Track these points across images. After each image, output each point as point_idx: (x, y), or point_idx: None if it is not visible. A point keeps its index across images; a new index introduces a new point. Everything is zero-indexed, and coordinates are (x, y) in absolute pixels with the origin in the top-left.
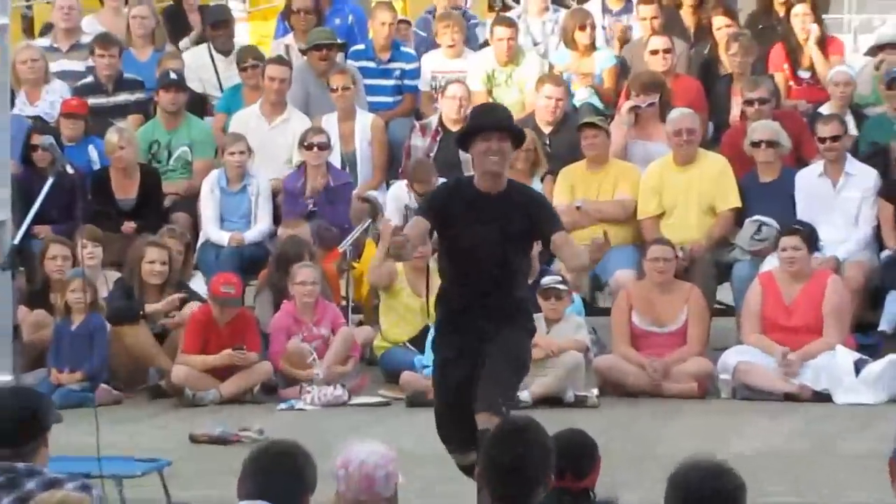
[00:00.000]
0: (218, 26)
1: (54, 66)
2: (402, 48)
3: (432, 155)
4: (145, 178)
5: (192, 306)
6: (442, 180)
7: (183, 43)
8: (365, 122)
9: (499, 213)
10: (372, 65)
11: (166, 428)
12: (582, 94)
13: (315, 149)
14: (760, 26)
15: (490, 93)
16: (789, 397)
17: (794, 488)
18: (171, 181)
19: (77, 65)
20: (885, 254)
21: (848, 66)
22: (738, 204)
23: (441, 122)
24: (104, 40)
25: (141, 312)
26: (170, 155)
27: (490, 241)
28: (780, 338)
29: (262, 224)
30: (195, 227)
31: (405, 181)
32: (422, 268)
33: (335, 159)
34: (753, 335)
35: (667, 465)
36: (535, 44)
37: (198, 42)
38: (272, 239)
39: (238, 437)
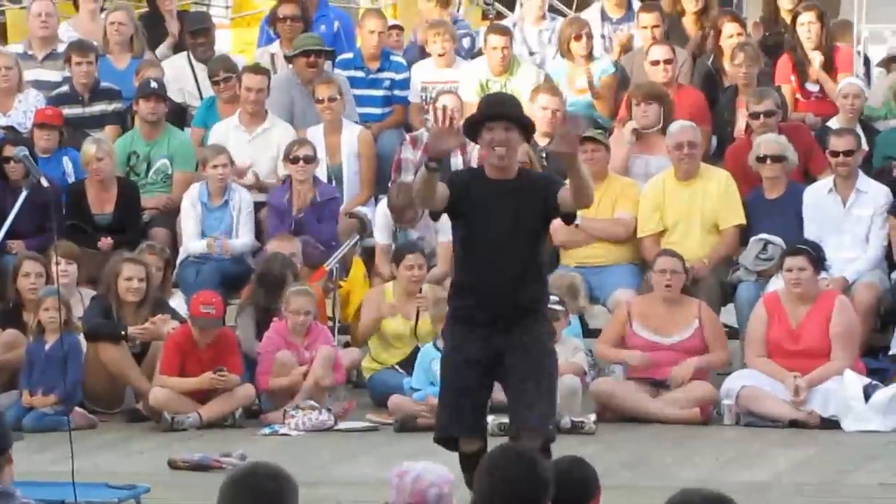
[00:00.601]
0: (198, 34)
1: (29, 75)
2: (392, 57)
3: None
4: (123, 192)
5: (172, 325)
6: None
7: (160, 50)
8: (352, 134)
9: (510, 200)
10: (360, 74)
11: (144, 453)
12: (577, 104)
13: (301, 162)
14: (767, 34)
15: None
16: (795, 424)
17: None
18: (150, 195)
19: (53, 74)
20: None
21: (857, 76)
22: (743, 221)
23: None
24: (80, 48)
25: (123, 333)
26: (149, 167)
27: (503, 228)
28: (787, 362)
29: (244, 238)
30: (174, 243)
31: None
32: (414, 292)
33: (321, 173)
34: (759, 360)
35: (670, 492)
36: (532, 53)
37: (176, 49)
38: (255, 255)
39: (219, 462)
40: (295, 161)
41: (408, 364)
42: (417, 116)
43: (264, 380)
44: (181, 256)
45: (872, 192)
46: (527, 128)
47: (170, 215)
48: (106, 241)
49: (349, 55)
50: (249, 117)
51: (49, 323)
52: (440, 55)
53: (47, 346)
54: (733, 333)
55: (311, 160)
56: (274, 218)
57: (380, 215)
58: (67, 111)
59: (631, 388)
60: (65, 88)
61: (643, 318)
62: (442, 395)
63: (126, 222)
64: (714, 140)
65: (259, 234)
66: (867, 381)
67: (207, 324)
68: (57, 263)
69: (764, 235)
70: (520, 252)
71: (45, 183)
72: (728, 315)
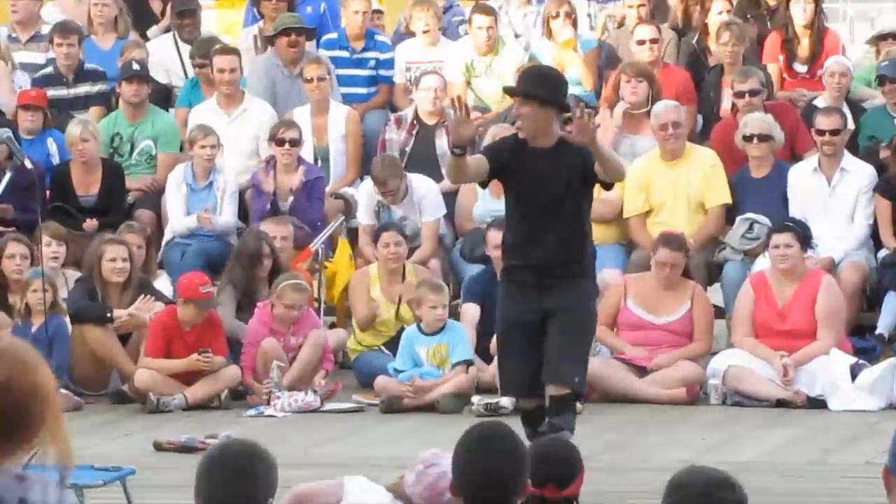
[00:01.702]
0: (184, 15)
1: (14, 57)
2: (377, 37)
3: (408, 149)
4: (108, 174)
5: (156, 307)
6: (415, 176)
7: (152, 31)
8: (339, 115)
9: (549, 165)
10: (345, 54)
11: (130, 435)
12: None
13: (286, 145)
14: (749, 16)
15: (469, 84)
16: (782, 404)
17: (789, 500)
18: (134, 176)
19: (37, 56)
20: (883, 253)
21: (843, 56)
22: (729, 201)
23: (416, 115)
24: (63, 29)
25: (109, 314)
26: (132, 148)
27: (544, 191)
28: (773, 342)
29: (227, 217)
30: (159, 224)
31: None
32: (397, 270)
33: (307, 153)
34: (747, 340)
35: (656, 474)
36: (517, 36)
37: (165, 30)
38: (238, 237)
39: (204, 444)
40: (280, 143)
41: (393, 345)
42: (402, 97)
43: (248, 371)
44: (166, 237)
45: (857, 171)
46: (545, 99)
47: (154, 196)
48: (91, 223)
49: (333, 35)
50: (226, 98)
51: (36, 305)
52: (424, 31)
53: (34, 329)
54: (720, 313)
55: (296, 143)
56: (256, 198)
57: (363, 195)
58: (52, 93)
59: (617, 367)
60: (49, 70)
61: (637, 297)
62: (500, 358)
63: (110, 204)
64: (700, 119)
65: (245, 216)
66: (853, 360)
67: (206, 304)
68: (47, 245)
69: (750, 215)
70: (562, 214)
71: (28, 165)
72: (715, 295)
